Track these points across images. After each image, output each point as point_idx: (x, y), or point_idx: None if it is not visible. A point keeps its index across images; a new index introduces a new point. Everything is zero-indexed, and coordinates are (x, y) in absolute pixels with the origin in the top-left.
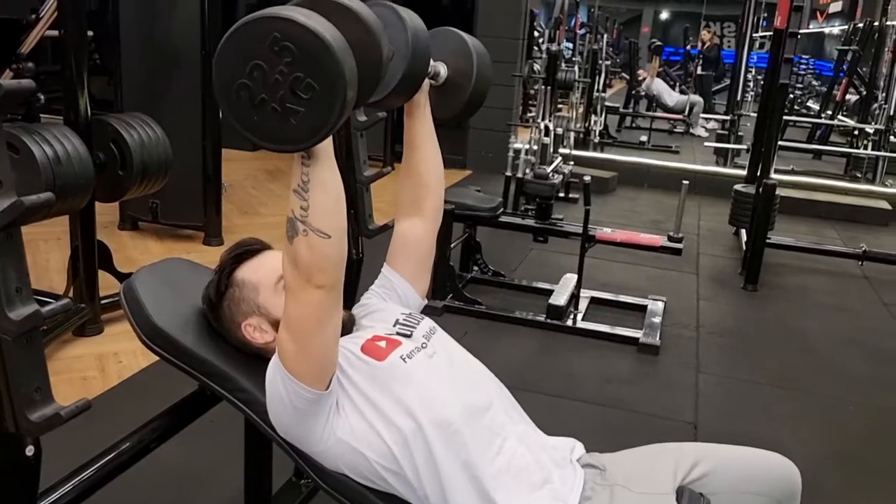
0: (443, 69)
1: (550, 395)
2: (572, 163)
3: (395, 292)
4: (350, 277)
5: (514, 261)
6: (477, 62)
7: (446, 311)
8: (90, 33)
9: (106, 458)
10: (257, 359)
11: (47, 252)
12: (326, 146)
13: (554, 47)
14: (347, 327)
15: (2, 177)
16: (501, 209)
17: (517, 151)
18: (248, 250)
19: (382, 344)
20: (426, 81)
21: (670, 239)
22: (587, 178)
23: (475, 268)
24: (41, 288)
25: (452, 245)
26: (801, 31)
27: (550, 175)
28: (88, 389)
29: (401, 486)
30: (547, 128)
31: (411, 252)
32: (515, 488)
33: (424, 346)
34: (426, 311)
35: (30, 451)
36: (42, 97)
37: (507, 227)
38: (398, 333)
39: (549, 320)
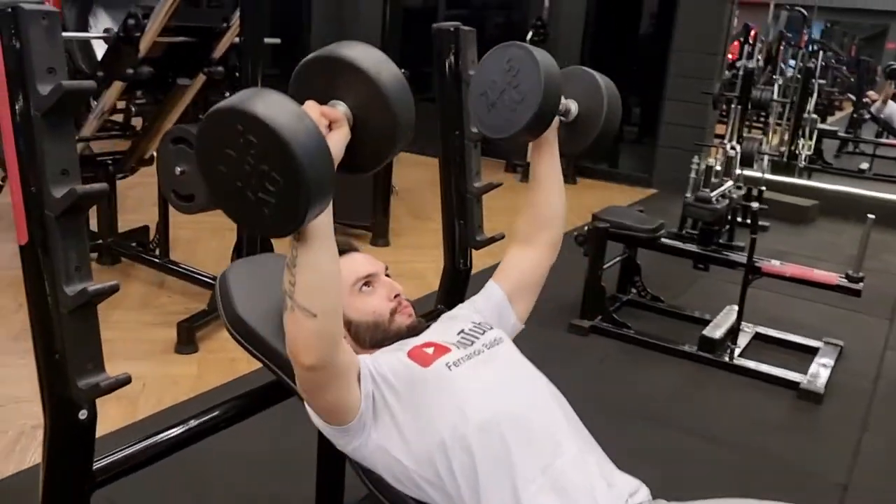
0: (573, 107)
1: (684, 431)
2: (763, 188)
3: (491, 304)
4: (457, 288)
5: (678, 287)
6: (607, 101)
7: (592, 332)
8: (278, 40)
9: (169, 433)
10: None
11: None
12: (316, 228)
13: (750, 64)
14: (414, 332)
15: (69, 166)
16: (662, 231)
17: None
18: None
19: (430, 350)
20: (556, 118)
21: (849, 278)
22: (754, 206)
23: (633, 290)
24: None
25: (608, 265)
26: None
27: (715, 199)
28: (233, 369)
29: (437, 494)
30: (733, 149)
31: (517, 276)
32: None
33: (479, 354)
34: (571, 329)
35: (83, 415)
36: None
37: (667, 251)
38: (454, 342)
39: (700, 352)
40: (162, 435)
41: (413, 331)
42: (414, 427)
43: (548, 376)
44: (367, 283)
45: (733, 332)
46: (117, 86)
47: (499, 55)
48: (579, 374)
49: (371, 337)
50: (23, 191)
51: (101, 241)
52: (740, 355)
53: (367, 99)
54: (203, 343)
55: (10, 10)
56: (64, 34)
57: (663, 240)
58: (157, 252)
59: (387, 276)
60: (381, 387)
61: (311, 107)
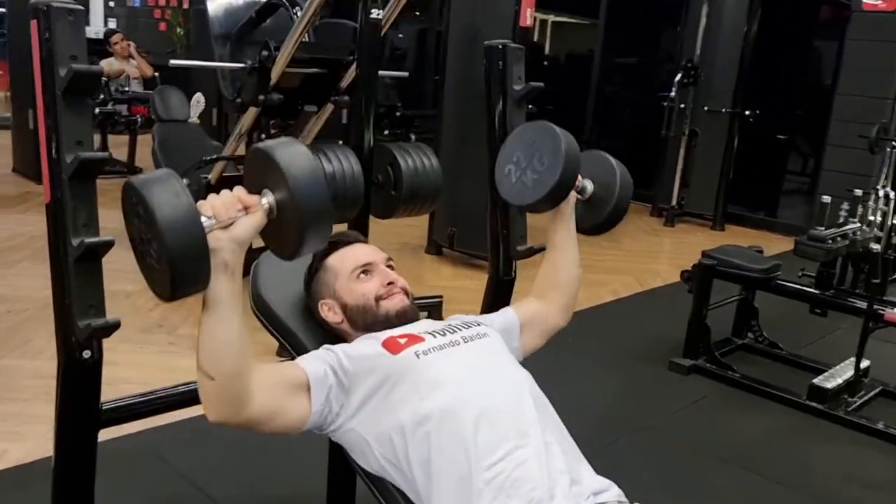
0: (589, 185)
1: (772, 480)
2: None
3: (503, 319)
4: (501, 297)
5: (807, 337)
6: (620, 183)
7: (693, 372)
8: (405, 74)
9: (172, 391)
10: (335, 339)
11: None
12: (215, 299)
13: None
14: (404, 318)
15: (82, 138)
16: (777, 273)
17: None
18: (342, 241)
19: (403, 340)
20: (573, 194)
21: None
22: (875, 247)
23: (749, 335)
24: None
25: (716, 305)
26: None
27: (831, 238)
28: None
29: (397, 475)
30: (887, 195)
31: (531, 314)
32: (503, 499)
33: (455, 345)
34: (671, 367)
35: (87, 354)
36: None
37: (779, 292)
38: (432, 332)
39: (808, 402)
40: (166, 391)
41: (402, 317)
42: (378, 410)
43: (639, 411)
44: (364, 272)
45: (852, 385)
46: (252, 111)
47: (524, 131)
48: (672, 412)
49: (362, 320)
50: (47, 156)
51: None
52: (856, 410)
53: (285, 194)
54: None
55: (45, 7)
56: (209, 64)
57: (778, 281)
58: None
59: (389, 267)
60: (349, 375)
61: (234, 191)
